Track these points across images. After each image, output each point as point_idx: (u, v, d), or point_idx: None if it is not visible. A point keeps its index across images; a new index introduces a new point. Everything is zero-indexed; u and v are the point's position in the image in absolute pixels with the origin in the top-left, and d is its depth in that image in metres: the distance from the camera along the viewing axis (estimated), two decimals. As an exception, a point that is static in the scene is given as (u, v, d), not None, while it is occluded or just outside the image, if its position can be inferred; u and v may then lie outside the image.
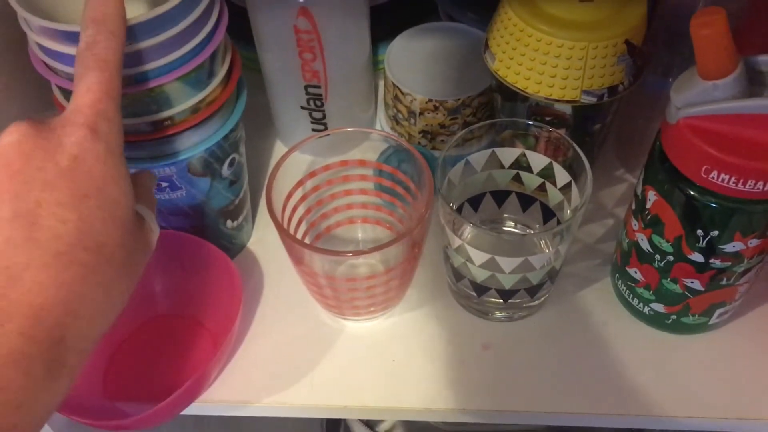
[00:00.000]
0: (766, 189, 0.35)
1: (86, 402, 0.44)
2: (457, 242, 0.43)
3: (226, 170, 0.44)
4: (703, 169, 0.35)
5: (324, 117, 0.53)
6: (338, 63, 0.50)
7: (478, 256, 0.42)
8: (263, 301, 0.49)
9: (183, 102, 0.39)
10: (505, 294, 0.45)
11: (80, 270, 0.27)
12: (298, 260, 0.43)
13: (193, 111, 0.40)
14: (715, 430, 0.44)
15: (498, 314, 0.48)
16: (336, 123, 0.54)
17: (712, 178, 0.35)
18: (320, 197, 0.48)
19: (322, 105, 0.52)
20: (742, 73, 0.35)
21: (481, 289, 0.45)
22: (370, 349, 0.47)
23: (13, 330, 0.26)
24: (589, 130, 0.48)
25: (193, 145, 0.41)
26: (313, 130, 0.54)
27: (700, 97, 0.35)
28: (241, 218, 0.49)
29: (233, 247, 0.51)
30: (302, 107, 0.52)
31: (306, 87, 0.51)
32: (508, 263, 0.42)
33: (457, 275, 0.46)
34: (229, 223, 0.48)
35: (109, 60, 0.31)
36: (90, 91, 0.30)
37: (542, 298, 0.47)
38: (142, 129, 0.39)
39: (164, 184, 0.42)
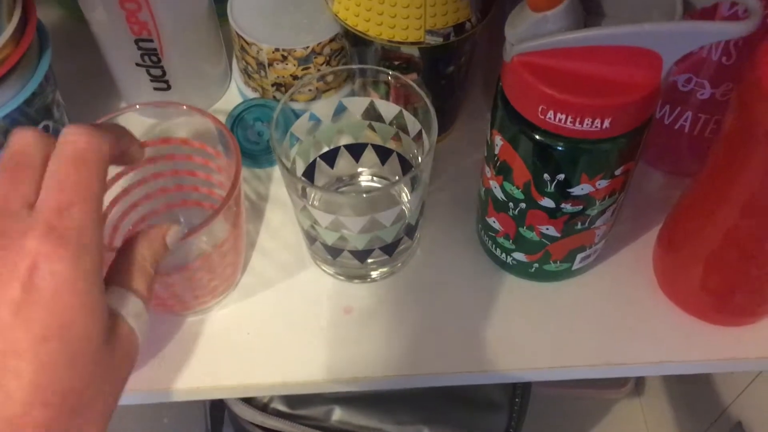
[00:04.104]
0: (605, 127, 0.33)
1: None
2: (300, 204, 0.39)
3: (37, 140, 0.39)
4: (540, 108, 0.33)
5: (164, 74, 0.48)
6: (169, 13, 0.45)
7: (324, 218, 0.39)
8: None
9: (-41, 64, 0.34)
10: (360, 255, 0.42)
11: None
12: None
13: (-20, 74, 0.35)
14: (585, 378, 0.43)
15: (358, 276, 0.45)
16: (180, 80, 0.49)
17: (549, 118, 0.33)
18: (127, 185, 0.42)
19: (159, 61, 0.47)
20: (574, 2, 0.32)
21: (334, 251, 0.42)
22: (222, 326, 0.43)
23: None
24: (443, 72, 0.45)
25: (-15, 113, 0.36)
26: (155, 89, 0.49)
27: (531, 30, 0.32)
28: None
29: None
30: (137, 64, 0.47)
31: (137, 41, 0.46)
32: (355, 223, 0.39)
33: (310, 238, 0.43)
34: (57, 198, 0.43)
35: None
36: (62, 191, 0.24)
37: (403, 256, 0.45)
38: None
39: (-39, 160, 0.37)
